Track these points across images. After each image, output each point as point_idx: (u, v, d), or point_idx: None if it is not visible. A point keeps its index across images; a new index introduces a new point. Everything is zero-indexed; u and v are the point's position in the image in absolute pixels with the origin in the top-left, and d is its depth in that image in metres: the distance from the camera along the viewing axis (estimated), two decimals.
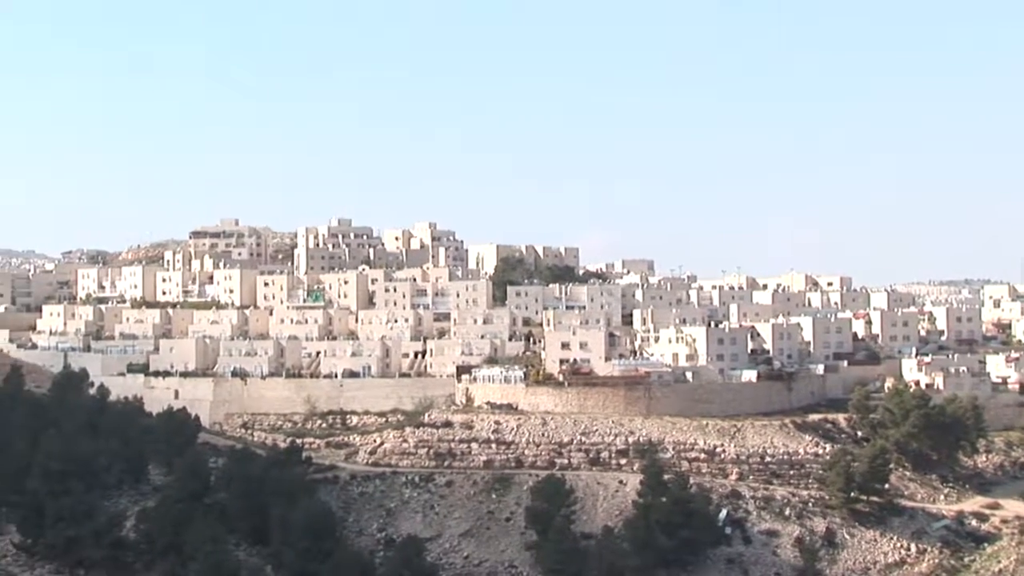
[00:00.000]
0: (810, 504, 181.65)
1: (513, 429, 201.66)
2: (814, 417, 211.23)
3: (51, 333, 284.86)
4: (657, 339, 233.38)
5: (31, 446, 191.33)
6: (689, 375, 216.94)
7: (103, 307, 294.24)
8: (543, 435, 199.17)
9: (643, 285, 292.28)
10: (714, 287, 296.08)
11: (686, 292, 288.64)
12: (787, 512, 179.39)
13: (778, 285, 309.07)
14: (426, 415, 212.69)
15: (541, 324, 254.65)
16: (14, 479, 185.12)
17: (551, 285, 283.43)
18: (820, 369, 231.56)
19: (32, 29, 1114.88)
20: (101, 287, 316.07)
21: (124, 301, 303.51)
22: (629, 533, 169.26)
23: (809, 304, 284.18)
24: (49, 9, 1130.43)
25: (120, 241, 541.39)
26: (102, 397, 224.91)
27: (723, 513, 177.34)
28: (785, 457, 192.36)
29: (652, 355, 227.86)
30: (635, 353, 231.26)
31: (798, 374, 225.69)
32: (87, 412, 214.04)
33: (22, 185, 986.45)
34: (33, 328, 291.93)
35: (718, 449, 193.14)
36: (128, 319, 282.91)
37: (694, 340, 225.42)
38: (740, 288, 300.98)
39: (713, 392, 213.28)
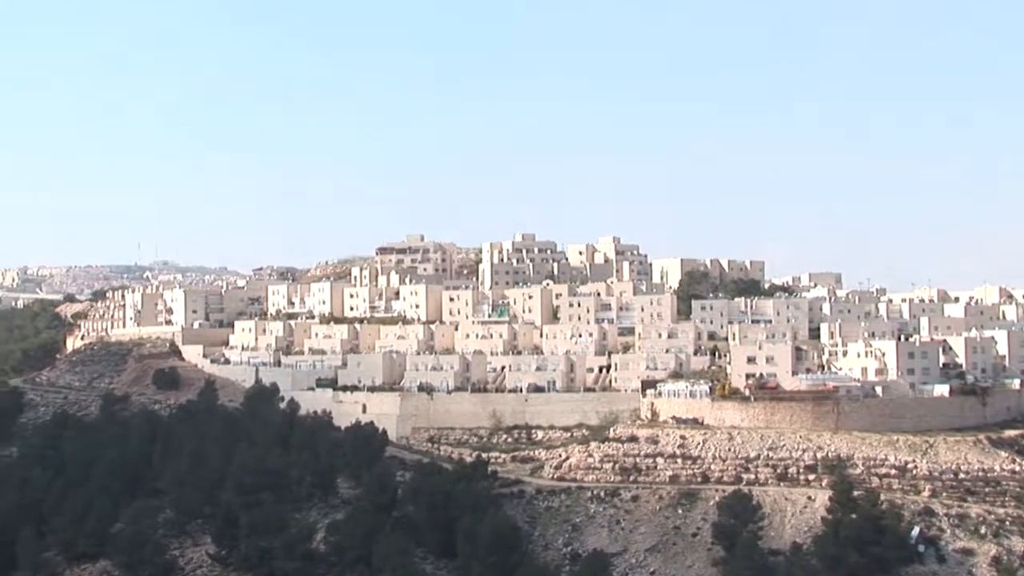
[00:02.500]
0: (1007, 522, 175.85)
1: (699, 444, 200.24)
2: (1010, 433, 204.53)
3: (243, 348, 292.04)
4: (845, 353, 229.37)
5: (225, 459, 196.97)
6: (879, 390, 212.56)
7: (292, 323, 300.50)
8: (729, 450, 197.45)
9: (831, 298, 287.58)
10: (904, 300, 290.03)
11: (875, 305, 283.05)
12: (983, 530, 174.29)
13: (971, 298, 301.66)
14: (611, 430, 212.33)
15: (726, 338, 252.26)
16: (209, 491, 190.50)
17: (736, 299, 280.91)
18: (1016, 384, 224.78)
19: (211, 49, 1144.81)
20: (291, 303, 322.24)
21: (313, 317, 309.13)
22: (818, 550, 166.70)
23: (1003, 317, 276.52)
24: (235, 32, 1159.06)
25: (309, 258, 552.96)
26: (292, 411, 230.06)
27: (915, 531, 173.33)
28: (980, 474, 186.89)
29: (840, 369, 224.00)
30: (823, 367, 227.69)
31: (993, 389, 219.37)
32: (278, 426, 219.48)
33: (215, 205, 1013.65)
34: (226, 343, 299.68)
35: (909, 465, 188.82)
36: (317, 334, 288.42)
37: (883, 354, 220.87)
38: (931, 301, 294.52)
39: (904, 407, 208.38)
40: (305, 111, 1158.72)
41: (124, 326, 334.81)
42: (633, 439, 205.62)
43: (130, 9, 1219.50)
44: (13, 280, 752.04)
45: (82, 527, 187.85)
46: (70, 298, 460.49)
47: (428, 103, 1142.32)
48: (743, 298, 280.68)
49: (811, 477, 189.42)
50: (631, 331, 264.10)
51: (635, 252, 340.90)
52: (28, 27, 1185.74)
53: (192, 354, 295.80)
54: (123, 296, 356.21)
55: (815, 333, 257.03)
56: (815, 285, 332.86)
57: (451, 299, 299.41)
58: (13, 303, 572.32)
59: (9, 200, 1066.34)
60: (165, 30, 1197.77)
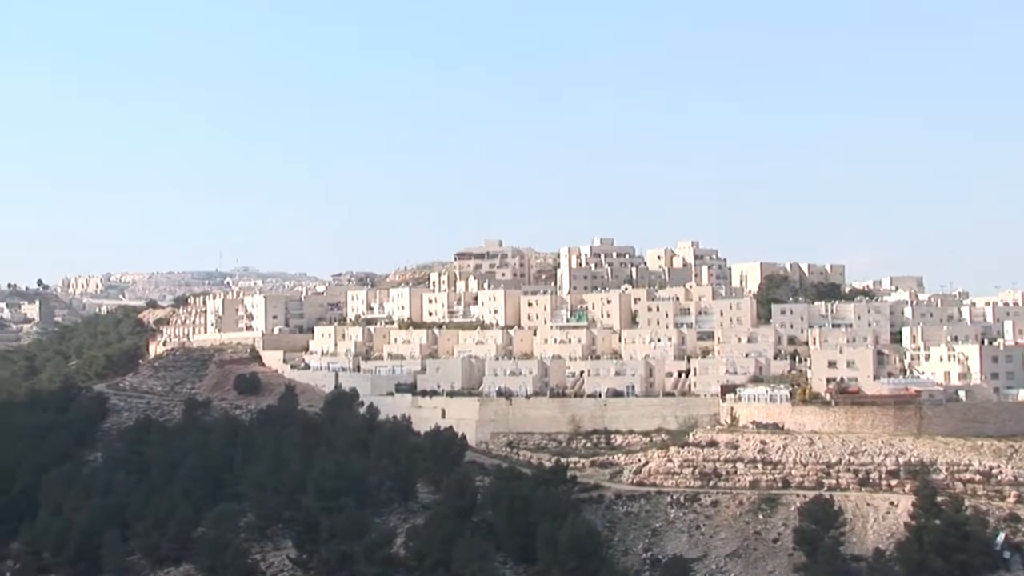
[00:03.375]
0: None
1: (779, 449, 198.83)
2: None
3: (322, 354, 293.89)
4: (927, 357, 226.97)
5: (305, 464, 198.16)
6: (962, 394, 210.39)
7: (372, 328, 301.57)
8: (810, 455, 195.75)
9: (912, 302, 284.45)
10: (987, 303, 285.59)
11: (957, 309, 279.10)
12: None
13: None
14: (691, 434, 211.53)
15: (807, 342, 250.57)
16: (289, 496, 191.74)
17: (816, 303, 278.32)
18: None
19: (287, 57, 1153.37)
20: (370, 308, 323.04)
21: (392, 322, 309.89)
22: (901, 556, 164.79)
23: None
24: (316, 41, 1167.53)
25: (387, 263, 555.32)
26: (372, 416, 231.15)
27: (1000, 536, 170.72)
28: None
29: (922, 373, 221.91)
30: (904, 371, 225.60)
31: None
32: (358, 431, 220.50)
33: (295, 211, 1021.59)
34: (306, 349, 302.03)
35: (994, 470, 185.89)
36: (396, 340, 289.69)
37: (967, 358, 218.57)
38: (1015, 304, 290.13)
39: (988, 411, 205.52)
40: (383, 117, 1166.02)
41: (205, 332, 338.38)
42: (713, 444, 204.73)
43: (211, 9, 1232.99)
44: (97, 287, 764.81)
45: (165, 531, 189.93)
46: (152, 304, 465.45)
47: (507, 108, 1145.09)
48: (823, 302, 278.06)
49: (893, 482, 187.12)
50: (710, 335, 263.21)
51: (714, 256, 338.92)
52: (114, 37, 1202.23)
53: (272, 359, 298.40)
54: (204, 302, 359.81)
55: (897, 337, 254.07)
56: (896, 289, 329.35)
57: (529, 304, 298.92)
58: (97, 309, 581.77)
59: (93, 209, 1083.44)
60: (248, 37, 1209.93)
